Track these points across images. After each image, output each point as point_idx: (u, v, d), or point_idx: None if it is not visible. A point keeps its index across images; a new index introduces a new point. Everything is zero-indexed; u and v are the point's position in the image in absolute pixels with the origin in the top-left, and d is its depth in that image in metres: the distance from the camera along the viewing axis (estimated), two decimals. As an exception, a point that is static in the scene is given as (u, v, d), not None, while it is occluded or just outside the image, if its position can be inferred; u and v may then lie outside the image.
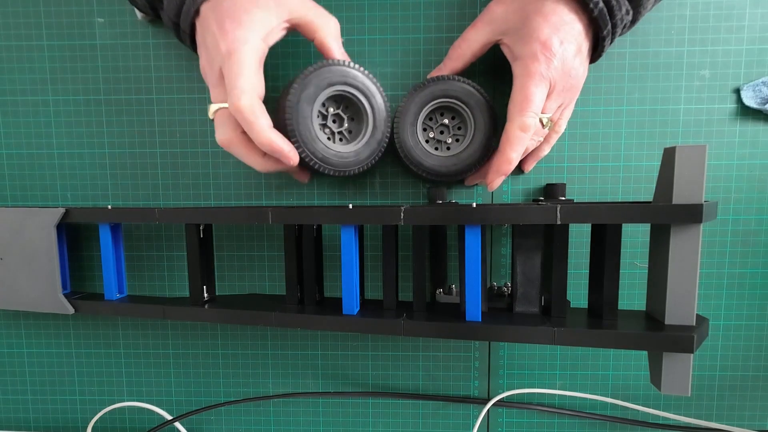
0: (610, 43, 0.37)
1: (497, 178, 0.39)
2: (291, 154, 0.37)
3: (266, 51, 0.36)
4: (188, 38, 0.38)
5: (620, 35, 0.38)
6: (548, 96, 0.37)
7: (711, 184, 0.43)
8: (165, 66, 0.45)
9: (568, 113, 0.41)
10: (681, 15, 0.42)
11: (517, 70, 0.37)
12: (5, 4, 0.45)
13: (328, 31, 0.38)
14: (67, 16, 0.45)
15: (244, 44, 0.34)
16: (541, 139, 0.41)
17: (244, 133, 0.37)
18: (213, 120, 0.38)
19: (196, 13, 0.36)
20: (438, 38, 0.43)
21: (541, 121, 0.37)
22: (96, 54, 0.45)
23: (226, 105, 0.36)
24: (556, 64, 0.35)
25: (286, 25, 0.37)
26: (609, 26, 0.36)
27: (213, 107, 0.37)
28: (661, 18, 0.42)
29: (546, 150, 0.43)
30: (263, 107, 0.35)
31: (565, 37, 0.35)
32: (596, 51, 0.38)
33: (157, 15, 0.40)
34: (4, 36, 0.45)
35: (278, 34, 0.37)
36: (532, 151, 0.42)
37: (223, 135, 0.37)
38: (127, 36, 0.45)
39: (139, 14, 0.44)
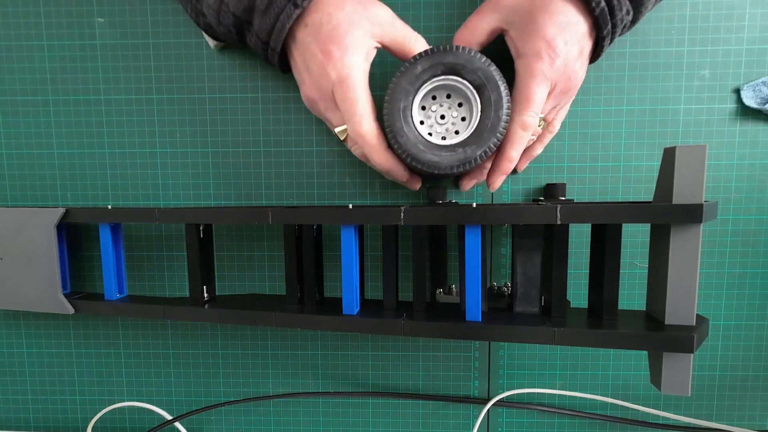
0: (609, 43, 0.37)
1: (499, 177, 0.39)
2: (404, 174, 0.39)
3: (368, 69, 0.37)
4: (276, 57, 0.38)
5: (620, 35, 0.38)
6: (546, 96, 0.37)
7: (711, 184, 0.43)
8: (165, 66, 0.45)
9: (562, 114, 0.41)
10: (681, 15, 0.42)
11: (520, 67, 0.36)
12: (5, 4, 0.45)
13: (420, 49, 0.37)
14: (67, 16, 0.45)
15: (353, 69, 0.35)
16: (534, 137, 0.41)
17: None
18: (344, 141, 0.39)
19: (291, 35, 0.37)
20: (438, 38, 0.43)
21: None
22: (96, 54, 0.45)
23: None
24: (558, 65, 0.35)
25: (379, 45, 0.37)
26: (609, 26, 0.36)
27: (340, 129, 0.38)
28: (661, 18, 0.42)
29: (539, 150, 0.42)
30: (380, 130, 0.37)
31: (569, 38, 0.35)
32: (595, 51, 0.38)
33: (241, 40, 0.39)
34: (4, 36, 0.45)
35: (372, 53, 0.37)
36: (525, 150, 0.42)
37: (361, 152, 0.39)
38: (127, 36, 0.45)
39: (211, 43, 0.43)
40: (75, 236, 0.48)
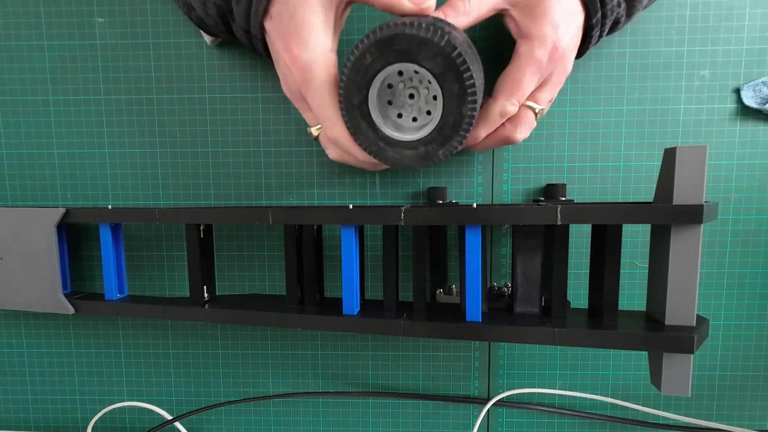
0: (599, 37, 0.37)
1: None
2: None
3: (336, 48, 0.35)
4: (261, 45, 0.37)
5: (609, 33, 0.38)
6: (542, 87, 0.36)
7: (711, 184, 0.43)
8: (165, 66, 0.45)
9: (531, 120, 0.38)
10: (681, 15, 0.42)
11: (521, 48, 0.35)
12: (5, 4, 0.45)
13: None
14: (67, 16, 0.45)
15: (316, 69, 0.34)
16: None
17: None
18: (316, 139, 0.39)
19: (264, 13, 0.34)
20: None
21: (533, 111, 0.36)
22: (96, 54, 0.45)
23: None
24: (559, 55, 0.34)
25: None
26: (599, 15, 0.35)
27: (314, 131, 0.38)
28: (661, 18, 0.42)
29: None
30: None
31: (569, 28, 0.34)
32: (583, 45, 0.37)
33: (230, 32, 0.39)
34: (4, 36, 0.45)
35: (341, 21, 0.35)
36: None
37: (335, 154, 0.38)
38: (127, 36, 0.45)
39: (207, 39, 0.43)
40: (75, 236, 0.48)
